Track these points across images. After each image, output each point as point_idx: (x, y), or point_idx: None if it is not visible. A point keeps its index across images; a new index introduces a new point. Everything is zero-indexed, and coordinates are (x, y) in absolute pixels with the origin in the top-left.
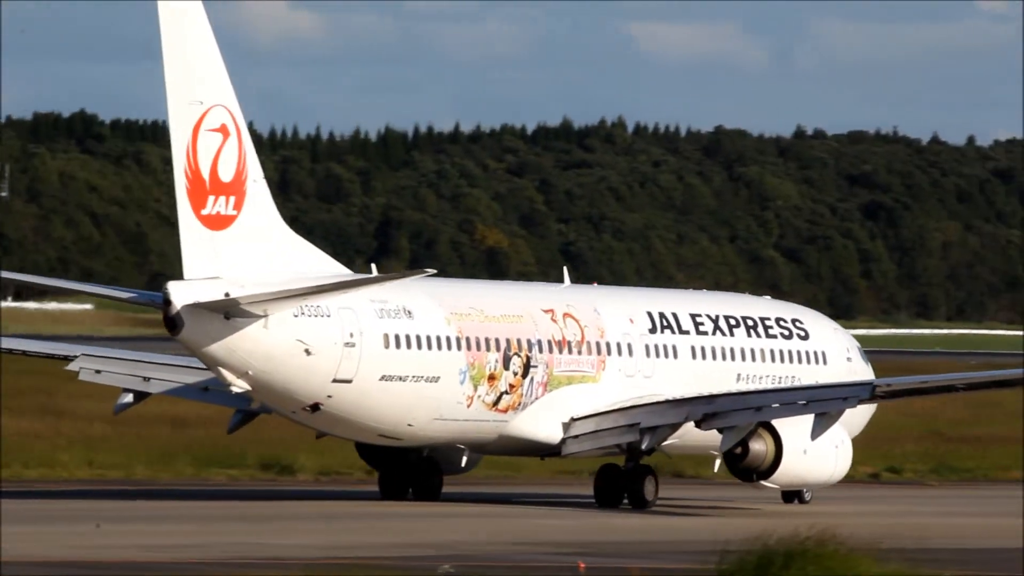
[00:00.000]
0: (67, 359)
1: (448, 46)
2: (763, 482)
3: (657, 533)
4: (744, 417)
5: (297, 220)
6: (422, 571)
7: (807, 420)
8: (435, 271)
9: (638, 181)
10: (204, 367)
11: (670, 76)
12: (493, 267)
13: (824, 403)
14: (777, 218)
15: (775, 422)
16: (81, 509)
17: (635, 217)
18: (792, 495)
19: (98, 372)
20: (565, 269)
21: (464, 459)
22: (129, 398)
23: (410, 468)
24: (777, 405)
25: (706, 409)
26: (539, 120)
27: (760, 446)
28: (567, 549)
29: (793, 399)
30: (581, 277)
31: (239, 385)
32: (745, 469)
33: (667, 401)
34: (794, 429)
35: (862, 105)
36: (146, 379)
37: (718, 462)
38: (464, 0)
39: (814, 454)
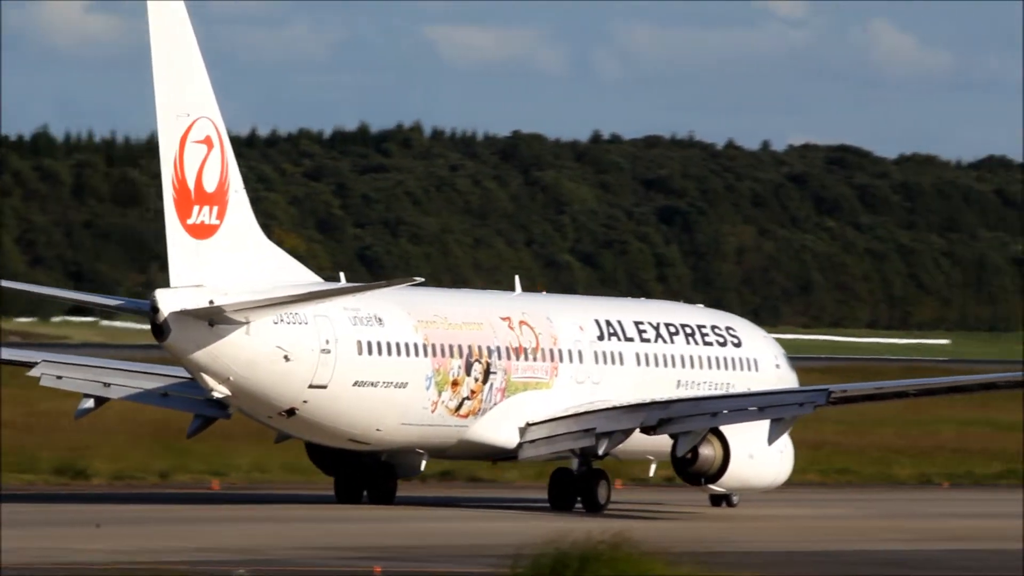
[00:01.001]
0: (28, 365)
1: (245, 49)
2: (711, 486)
3: (459, 537)
4: (701, 423)
5: (92, 225)
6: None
7: (753, 426)
8: (423, 279)
9: (435, 185)
10: (164, 373)
11: (467, 80)
12: None
13: (780, 408)
14: (573, 222)
15: (723, 428)
16: None
17: (432, 221)
18: (720, 499)
19: (59, 378)
20: (516, 278)
21: (422, 463)
22: (90, 403)
23: (365, 472)
24: (732, 411)
25: (661, 414)
26: (336, 124)
27: (709, 451)
28: (369, 553)
29: (750, 405)
30: (378, 281)
31: (220, 390)
32: (694, 473)
33: (623, 407)
34: (741, 434)
35: (658, 110)
36: (106, 385)
37: (653, 467)
38: (261, 1)
39: (759, 459)
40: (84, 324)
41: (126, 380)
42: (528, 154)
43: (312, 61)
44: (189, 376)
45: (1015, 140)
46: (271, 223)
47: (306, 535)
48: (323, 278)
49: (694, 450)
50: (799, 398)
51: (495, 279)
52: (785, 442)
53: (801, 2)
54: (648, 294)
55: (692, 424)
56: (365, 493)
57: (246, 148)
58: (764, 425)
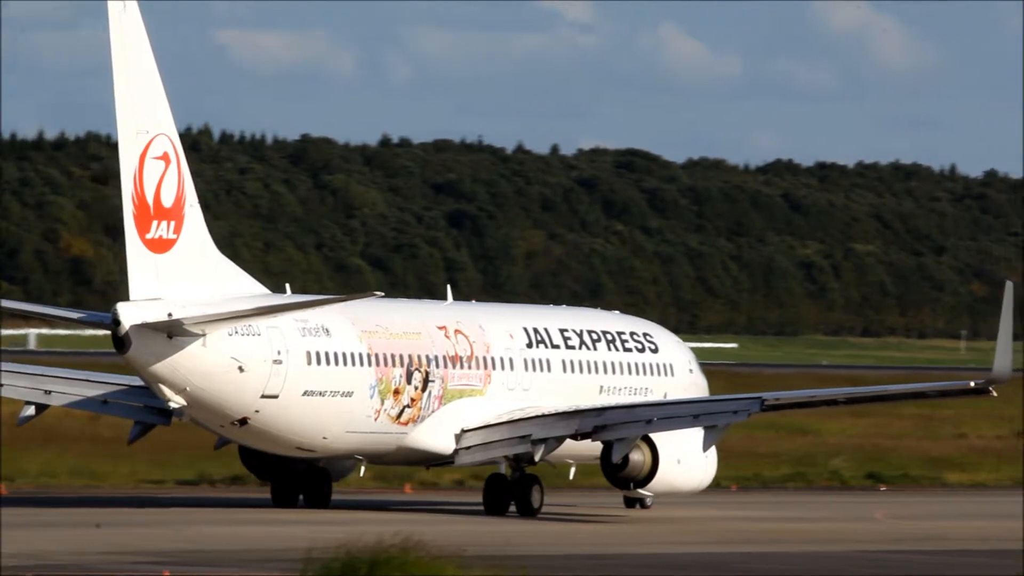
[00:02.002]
0: None
1: (32, 51)
2: (639, 490)
3: (249, 541)
4: (636, 429)
5: None
6: None
7: (681, 431)
8: (383, 294)
9: (224, 189)
10: (104, 381)
11: (256, 83)
12: (77, 276)
13: (715, 416)
14: (363, 226)
15: (653, 434)
16: None
17: (221, 225)
18: (634, 501)
19: (0, 385)
20: (448, 287)
21: (361, 468)
22: (31, 411)
23: (299, 477)
24: (668, 418)
25: (596, 421)
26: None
27: (639, 456)
28: (160, 558)
29: (685, 412)
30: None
31: (176, 401)
32: (623, 478)
33: (558, 413)
34: (669, 440)
35: (447, 114)
36: (47, 392)
37: (572, 470)
38: (50, 1)
39: (686, 464)
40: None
41: (67, 387)
42: (317, 158)
43: (101, 64)
44: (129, 384)
45: (803, 144)
46: (58, 227)
47: (107, 539)
48: (109, 285)
49: (624, 455)
50: (733, 406)
51: (282, 284)
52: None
53: (591, 4)
54: (437, 298)
55: (628, 431)
56: (301, 497)
57: (33, 151)
58: (691, 431)
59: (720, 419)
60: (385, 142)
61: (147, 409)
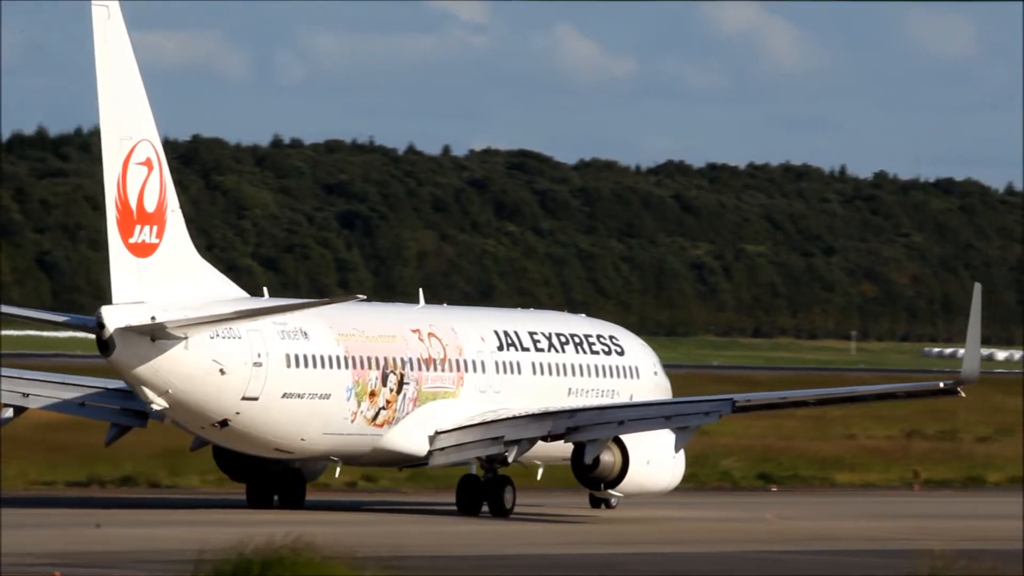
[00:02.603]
0: None
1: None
2: (610, 491)
3: (146, 542)
4: (608, 431)
5: None
6: None
7: (650, 432)
8: (365, 297)
9: None
10: (81, 383)
11: (146, 83)
12: None
13: (687, 417)
14: (254, 227)
15: (623, 435)
16: None
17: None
18: (600, 501)
19: None
20: (420, 291)
21: (335, 469)
22: (9, 413)
23: (274, 478)
24: (640, 419)
25: (568, 423)
26: (14, 128)
27: (609, 457)
28: (52, 559)
29: (657, 414)
30: (59, 288)
31: (159, 403)
32: (594, 479)
33: (530, 415)
34: (639, 441)
35: (339, 114)
36: (25, 395)
37: (540, 471)
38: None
39: (655, 465)
40: None
41: (44, 390)
42: (208, 158)
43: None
44: (106, 387)
45: (694, 146)
46: None
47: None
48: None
49: (595, 457)
50: (705, 407)
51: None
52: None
53: (485, 5)
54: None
55: (600, 432)
56: (276, 498)
57: None
58: (660, 433)
59: (692, 420)
60: (276, 143)
61: (124, 411)
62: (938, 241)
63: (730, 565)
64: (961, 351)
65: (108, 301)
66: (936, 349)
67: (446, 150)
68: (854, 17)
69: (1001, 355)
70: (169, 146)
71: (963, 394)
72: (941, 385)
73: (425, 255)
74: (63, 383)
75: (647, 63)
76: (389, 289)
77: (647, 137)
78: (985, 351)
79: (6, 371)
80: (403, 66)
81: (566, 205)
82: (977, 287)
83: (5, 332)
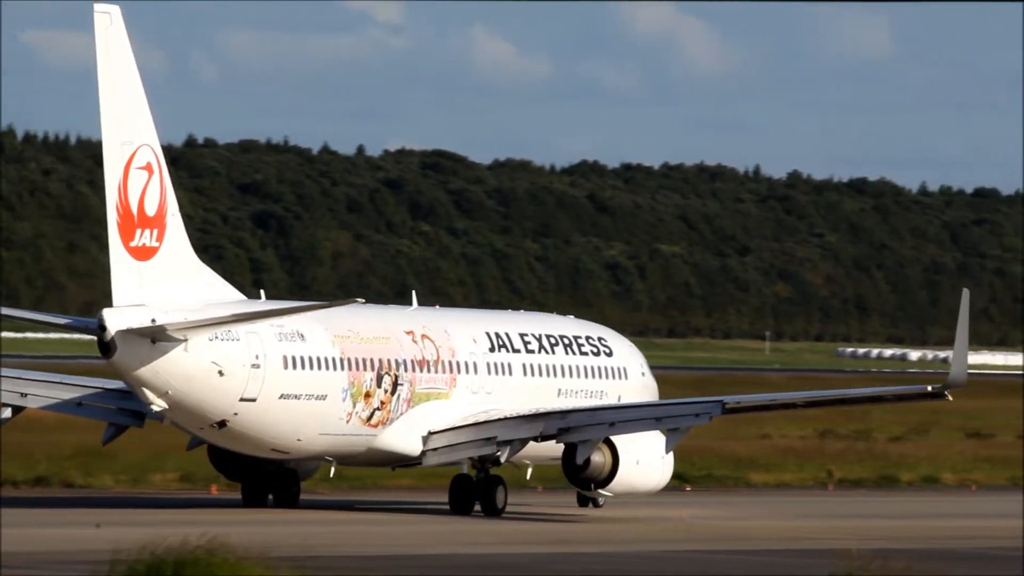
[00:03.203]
0: None
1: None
2: (600, 491)
3: (55, 543)
4: (599, 432)
5: None
6: None
7: (640, 434)
8: (363, 300)
9: (28, 190)
10: (79, 384)
11: (60, 83)
12: None
13: (677, 419)
14: None
15: (613, 436)
16: None
17: (25, 226)
18: (587, 500)
19: None
20: (414, 292)
21: (331, 469)
22: (7, 413)
23: (269, 477)
24: (632, 420)
25: (560, 424)
26: None
27: (599, 458)
28: None
29: (648, 415)
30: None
31: (158, 404)
32: (585, 479)
33: (523, 416)
34: (629, 442)
35: (253, 114)
36: (23, 395)
37: (530, 470)
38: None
39: (644, 465)
40: None
41: (42, 390)
42: None
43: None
44: (103, 387)
45: (609, 146)
46: None
47: None
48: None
49: (587, 457)
50: (696, 409)
51: (88, 284)
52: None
53: (402, 5)
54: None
55: (592, 433)
56: (270, 497)
57: None
58: (650, 433)
59: (682, 422)
60: (190, 142)
61: (121, 411)
62: (852, 241)
63: (643, 565)
64: (875, 351)
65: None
66: (850, 349)
67: (360, 150)
68: (768, 18)
69: (914, 355)
70: (82, 146)
71: (950, 398)
72: (929, 389)
73: (340, 255)
74: (61, 383)
75: (562, 64)
76: (304, 289)
77: (562, 137)
78: (899, 351)
79: (5, 371)
80: (318, 66)
81: (481, 205)
82: (965, 293)
83: None
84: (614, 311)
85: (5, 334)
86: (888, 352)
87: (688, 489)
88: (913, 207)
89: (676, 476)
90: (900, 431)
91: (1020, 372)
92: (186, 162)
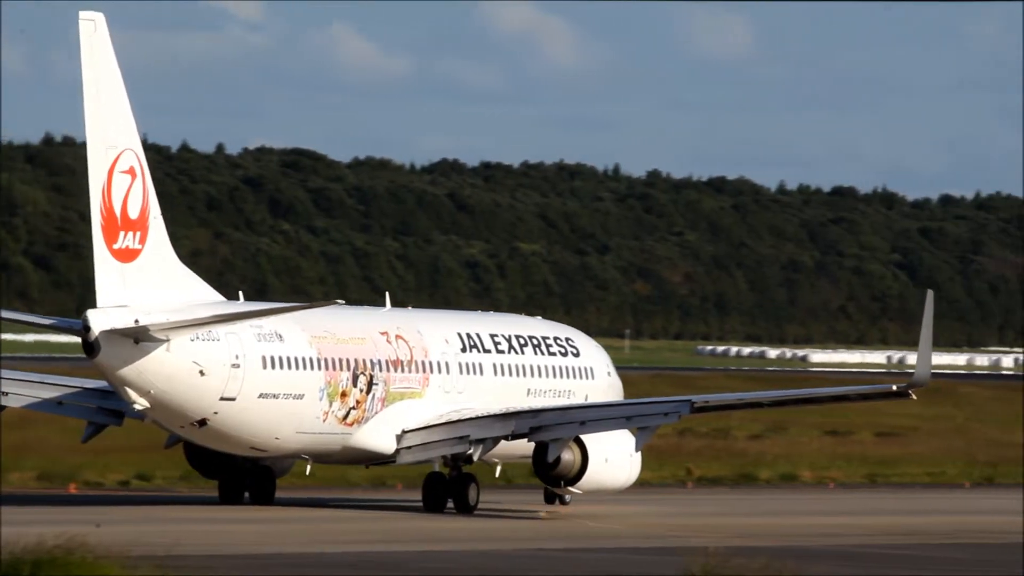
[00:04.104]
0: None
1: None
2: (570, 488)
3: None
4: (571, 430)
5: None
6: None
7: (609, 433)
8: (343, 301)
9: None
10: (59, 383)
11: None
12: None
13: (647, 418)
14: (26, 224)
15: (583, 435)
16: None
17: None
18: (553, 497)
19: None
20: (387, 294)
21: (307, 467)
22: None
23: (245, 475)
24: (603, 419)
25: (532, 423)
26: None
27: (569, 456)
28: None
29: (618, 414)
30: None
31: (141, 403)
32: (555, 476)
33: (495, 415)
34: (598, 440)
35: None
36: (4, 393)
37: (499, 468)
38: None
39: (613, 463)
40: None
41: (23, 389)
42: None
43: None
44: (83, 386)
45: (468, 144)
46: None
47: None
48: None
49: (557, 455)
50: (665, 408)
51: None
52: (634, 447)
53: (262, 4)
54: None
55: (563, 432)
56: (247, 495)
57: None
58: (618, 432)
59: (651, 421)
60: (48, 140)
61: (100, 410)
62: (710, 240)
63: (503, 563)
64: (734, 349)
65: None
66: (709, 347)
67: (220, 148)
68: (629, 17)
69: (773, 353)
70: None
71: (914, 396)
72: (894, 388)
73: (199, 253)
74: (42, 383)
75: (423, 62)
76: None
77: (422, 136)
78: (757, 349)
79: None
80: (177, 64)
81: (340, 203)
82: (930, 294)
83: None
84: (474, 309)
85: None
86: (747, 350)
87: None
88: (771, 206)
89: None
90: (758, 429)
91: (878, 371)
92: (44, 160)
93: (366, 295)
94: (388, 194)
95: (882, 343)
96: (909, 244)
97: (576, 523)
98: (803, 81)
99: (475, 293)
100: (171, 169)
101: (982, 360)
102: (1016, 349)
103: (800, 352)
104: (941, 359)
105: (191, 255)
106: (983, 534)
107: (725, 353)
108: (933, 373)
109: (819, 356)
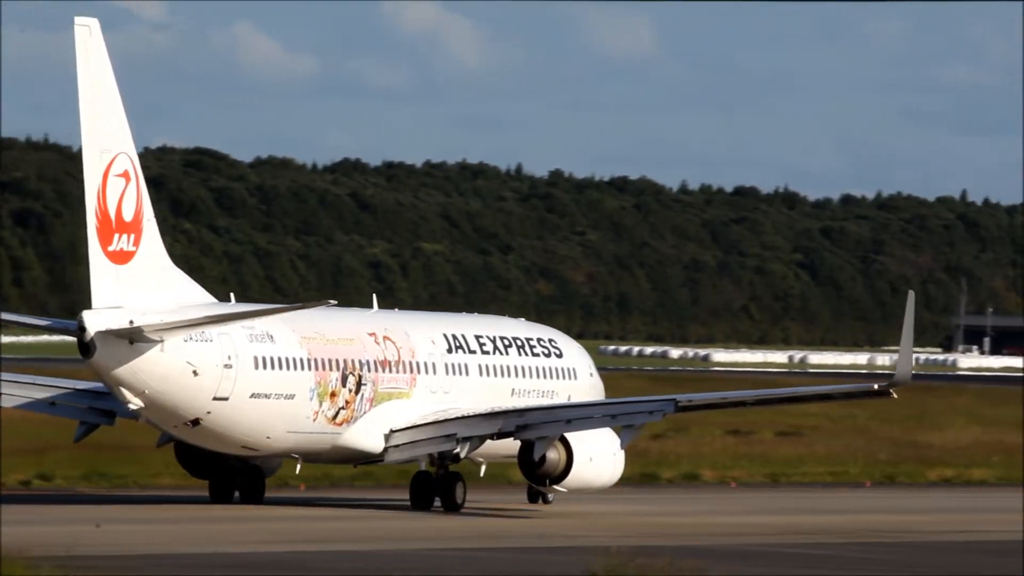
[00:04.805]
0: None
1: None
2: (555, 486)
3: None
4: (556, 429)
5: None
6: None
7: (594, 431)
8: (336, 302)
9: None
10: (52, 384)
11: None
12: None
13: (632, 416)
14: None
15: (567, 433)
16: None
17: None
18: (536, 496)
19: None
20: (375, 296)
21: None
22: None
23: (235, 475)
24: (589, 418)
25: (518, 421)
26: None
27: (555, 455)
28: None
29: (604, 413)
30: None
31: (135, 403)
32: (540, 475)
33: (482, 414)
34: (582, 439)
35: (13, 112)
36: None
37: (483, 468)
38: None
39: (597, 461)
40: None
41: (16, 390)
42: None
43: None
44: (75, 387)
45: (371, 144)
46: None
47: None
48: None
49: (543, 454)
50: (650, 407)
51: None
52: (618, 447)
53: (165, 4)
54: (4, 299)
55: (549, 430)
56: (236, 494)
57: None
58: (602, 431)
59: (637, 419)
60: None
61: (92, 410)
62: (613, 239)
63: (397, 563)
64: (636, 349)
65: None
66: (612, 347)
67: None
68: (532, 17)
69: (675, 352)
70: None
71: (895, 395)
72: (875, 387)
73: None
74: (34, 383)
75: (327, 61)
76: (64, 289)
77: (324, 135)
78: (659, 348)
79: None
80: (72, 64)
81: (243, 203)
82: (911, 295)
83: None
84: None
85: None
86: (649, 350)
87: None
88: (673, 205)
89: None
90: (661, 428)
91: (779, 371)
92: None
93: (268, 295)
94: (290, 193)
95: (784, 343)
96: (811, 244)
97: (480, 521)
98: (705, 81)
99: (378, 293)
100: (73, 169)
101: (883, 360)
102: (916, 349)
103: (702, 352)
104: (842, 359)
105: (86, 257)
106: (885, 533)
107: (628, 353)
108: (832, 372)
109: (721, 355)
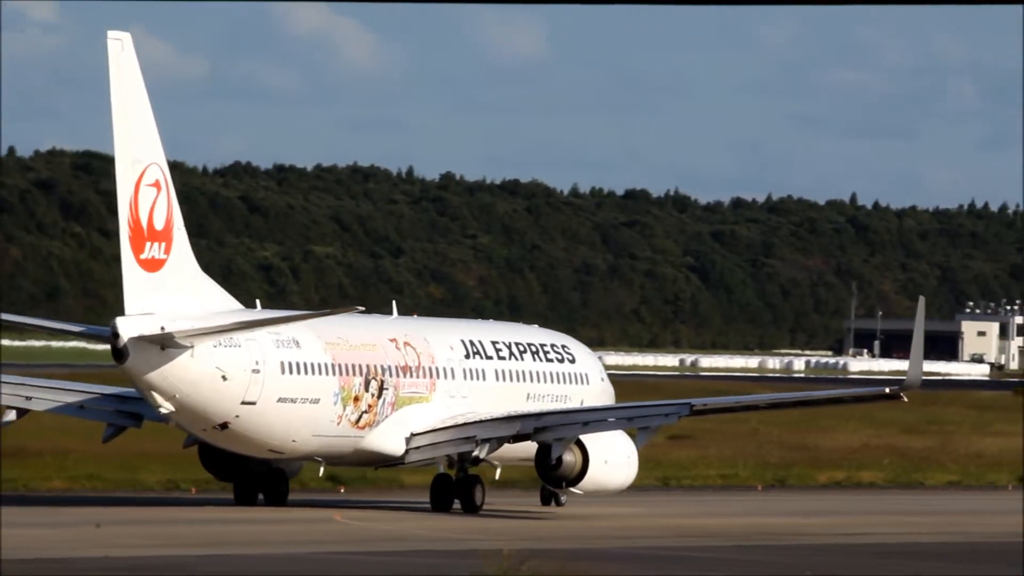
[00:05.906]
0: None
1: None
2: (571, 488)
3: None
4: (573, 431)
5: None
6: None
7: (608, 434)
8: (363, 308)
9: None
10: (80, 389)
11: None
12: None
13: (648, 419)
14: None
15: (582, 436)
16: None
17: None
18: (549, 497)
19: None
20: (394, 302)
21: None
22: (12, 415)
23: (259, 477)
24: (607, 421)
25: (536, 424)
26: None
27: (571, 457)
28: None
29: (620, 416)
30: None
31: (166, 407)
32: (556, 477)
33: (500, 418)
34: (597, 442)
35: None
36: (28, 398)
37: (499, 471)
38: None
39: (612, 464)
40: None
41: (46, 394)
42: None
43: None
44: (102, 392)
45: (262, 146)
46: None
47: None
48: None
49: (558, 457)
50: (666, 410)
51: None
52: (632, 450)
53: (57, 5)
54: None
55: (566, 432)
56: (260, 496)
57: None
58: (617, 434)
59: (652, 422)
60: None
61: (119, 413)
62: (504, 242)
63: (292, 566)
64: None
65: None
66: None
67: (11, 151)
68: (422, 19)
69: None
70: None
71: (906, 399)
72: (887, 391)
73: None
74: (63, 388)
75: (216, 64)
76: None
77: (215, 138)
78: None
79: (9, 377)
80: None
81: None
82: (921, 300)
83: None
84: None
85: None
86: None
87: (342, 491)
88: (564, 208)
89: (332, 479)
90: None
91: (671, 373)
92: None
93: None
94: (180, 196)
95: (675, 345)
96: (701, 247)
97: (364, 526)
98: (595, 84)
99: (269, 296)
100: None
101: (774, 363)
102: (807, 352)
103: (596, 354)
104: (733, 362)
105: None
106: (775, 535)
107: None
108: (723, 376)
109: (612, 359)
